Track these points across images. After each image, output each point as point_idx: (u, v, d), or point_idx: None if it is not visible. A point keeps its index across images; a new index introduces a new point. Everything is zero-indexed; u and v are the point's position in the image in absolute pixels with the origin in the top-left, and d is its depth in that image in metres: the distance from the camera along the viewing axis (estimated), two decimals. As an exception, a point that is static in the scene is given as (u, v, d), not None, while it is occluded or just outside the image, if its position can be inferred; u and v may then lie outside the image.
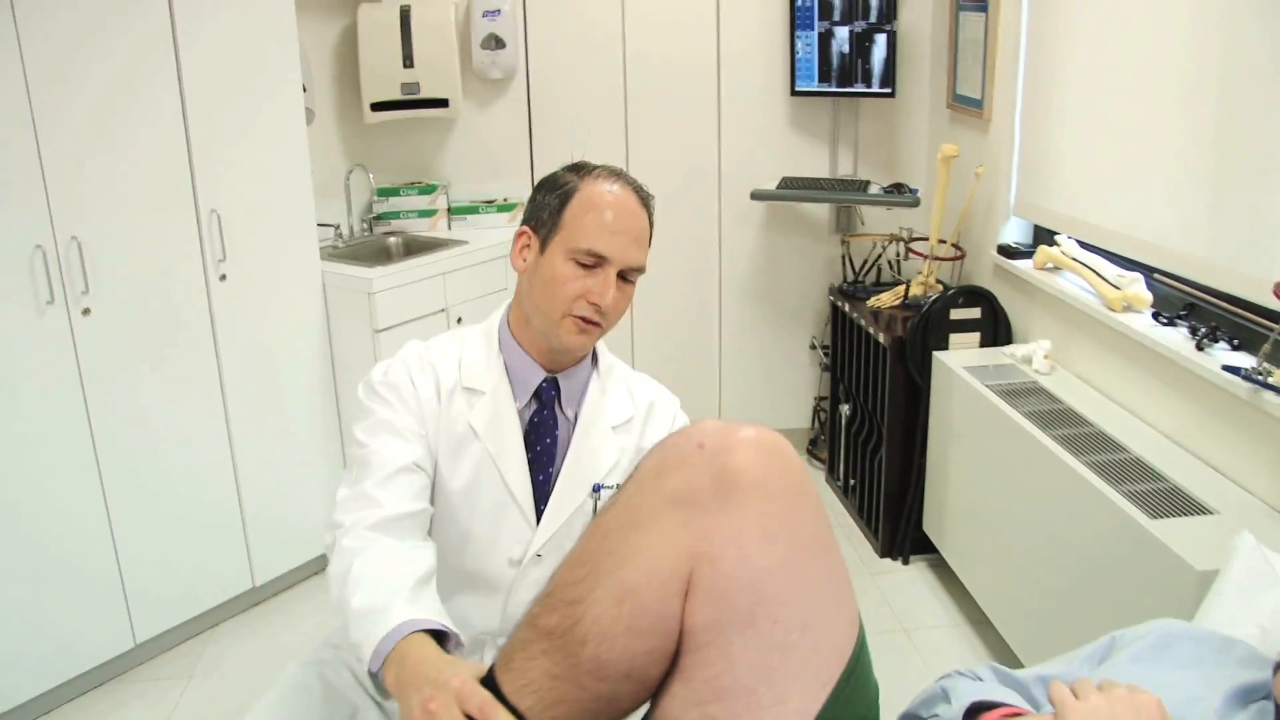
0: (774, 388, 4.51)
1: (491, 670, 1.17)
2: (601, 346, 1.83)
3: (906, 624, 3.23)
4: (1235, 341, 2.41)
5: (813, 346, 4.41)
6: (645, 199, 1.71)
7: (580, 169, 1.70)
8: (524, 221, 1.72)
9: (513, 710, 1.12)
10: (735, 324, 4.43)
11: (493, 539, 1.69)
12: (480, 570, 1.70)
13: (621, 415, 1.78)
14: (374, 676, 1.30)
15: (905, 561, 3.61)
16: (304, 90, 3.64)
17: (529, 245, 1.70)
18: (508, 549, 1.69)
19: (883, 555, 3.66)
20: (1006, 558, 2.88)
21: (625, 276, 1.67)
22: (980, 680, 1.29)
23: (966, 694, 1.20)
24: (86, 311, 2.79)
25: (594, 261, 1.63)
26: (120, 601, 2.96)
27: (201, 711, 2.89)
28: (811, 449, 4.52)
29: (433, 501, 1.67)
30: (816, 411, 4.49)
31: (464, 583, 1.71)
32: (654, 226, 1.73)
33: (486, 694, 1.13)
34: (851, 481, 3.98)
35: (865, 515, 3.83)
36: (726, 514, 1.11)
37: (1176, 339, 2.55)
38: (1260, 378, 2.14)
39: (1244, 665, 1.13)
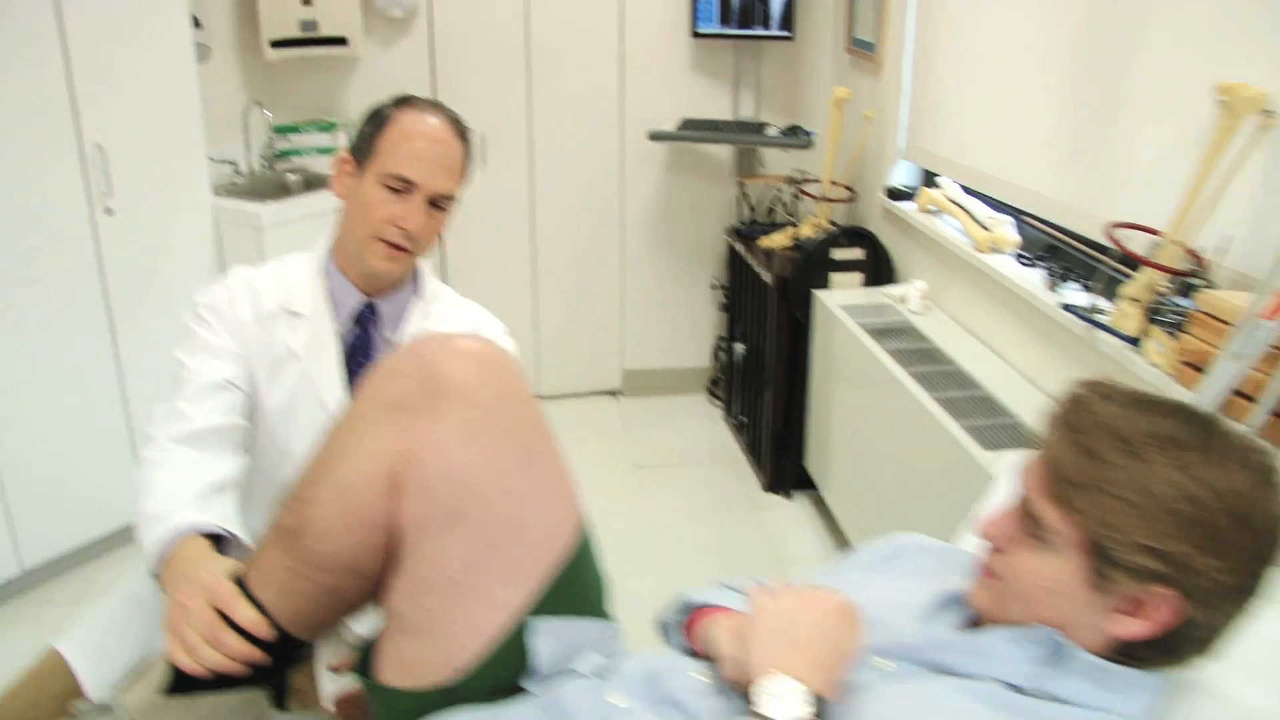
0: (676, 328, 4.58)
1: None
2: (427, 273, 1.89)
3: (780, 555, 3.33)
4: (1088, 283, 2.50)
5: (713, 286, 4.47)
6: (461, 130, 1.76)
7: (403, 101, 1.74)
8: (350, 151, 1.77)
9: (256, 604, 1.21)
10: (637, 264, 4.48)
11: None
12: None
13: None
14: (158, 580, 1.35)
15: (788, 496, 3.71)
16: (199, 26, 3.62)
17: (350, 173, 1.75)
18: None
19: (767, 490, 3.76)
20: (873, 491, 2.98)
21: (436, 204, 1.72)
22: (729, 589, 1.36)
23: (693, 596, 1.29)
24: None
25: (403, 187, 1.68)
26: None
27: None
28: (712, 388, 4.60)
29: (252, 420, 1.73)
30: (716, 351, 4.57)
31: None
32: (471, 160, 1.79)
33: (232, 588, 1.22)
34: (743, 419, 4.07)
35: (754, 451, 3.92)
36: (433, 418, 1.19)
37: (1033, 279, 2.64)
38: (1091, 316, 2.23)
39: (963, 574, 1.21)
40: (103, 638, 1.63)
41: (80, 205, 3.06)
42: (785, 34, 3.99)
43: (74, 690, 1.55)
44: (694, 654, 1.26)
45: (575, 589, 1.25)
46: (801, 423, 3.61)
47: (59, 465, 3.09)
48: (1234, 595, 1.01)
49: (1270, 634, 1.14)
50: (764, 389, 3.73)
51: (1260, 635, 1.10)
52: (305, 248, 3.41)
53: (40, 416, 3.02)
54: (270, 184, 3.95)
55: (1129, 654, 1.06)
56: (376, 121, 1.72)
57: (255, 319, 1.75)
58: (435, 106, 1.75)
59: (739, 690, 1.12)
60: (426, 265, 1.90)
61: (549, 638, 1.22)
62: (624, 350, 4.61)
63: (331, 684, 1.52)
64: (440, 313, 1.86)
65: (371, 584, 1.24)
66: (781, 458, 3.71)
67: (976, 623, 1.17)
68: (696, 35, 4.11)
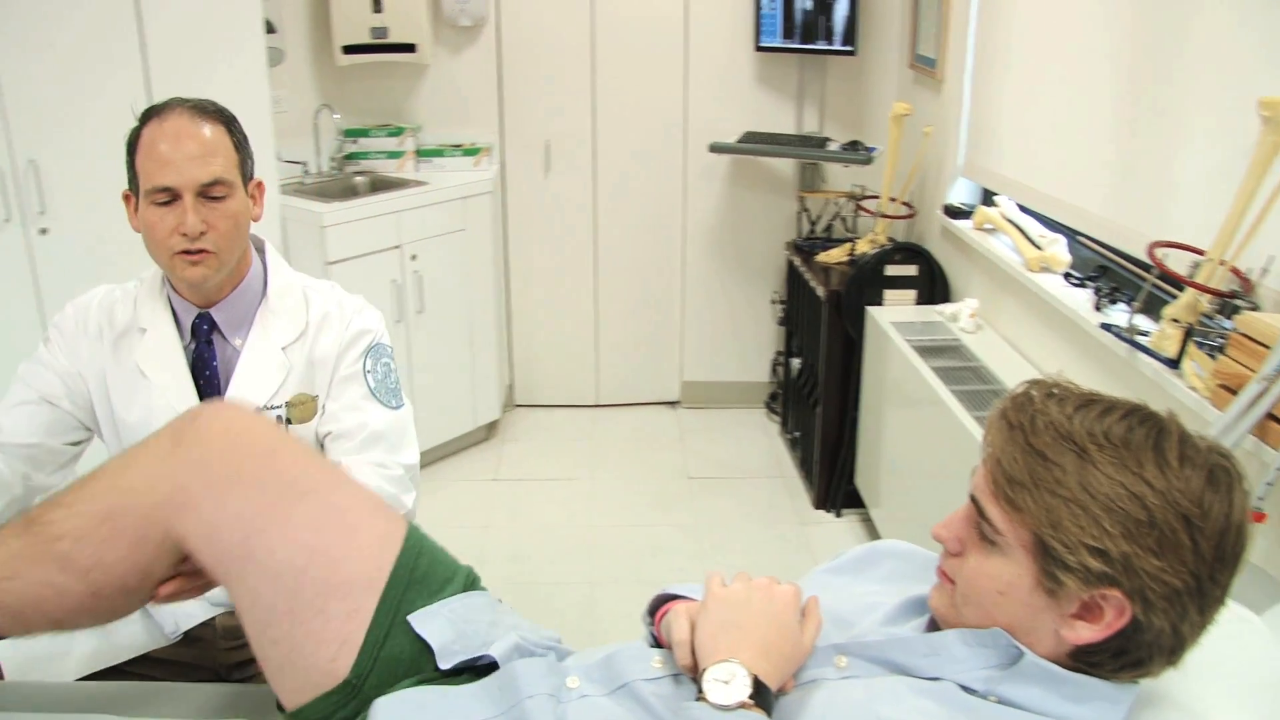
0: (735, 341, 4.58)
1: None
2: (279, 267, 1.85)
3: (825, 571, 3.30)
4: (1132, 304, 2.45)
5: (773, 301, 4.47)
6: (208, 111, 1.69)
7: (145, 116, 1.69)
8: (128, 185, 1.74)
9: None
10: (698, 276, 4.50)
11: None
12: None
13: (292, 334, 1.80)
14: None
15: (838, 514, 3.69)
16: (274, 31, 3.73)
17: (133, 208, 1.71)
18: None
19: (817, 506, 3.74)
20: (920, 513, 2.94)
21: (210, 195, 1.66)
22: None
23: (670, 589, 1.30)
24: (44, 231, 2.91)
25: (168, 197, 1.64)
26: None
27: None
28: (770, 403, 4.59)
29: (108, 436, 1.78)
30: (775, 366, 4.55)
31: None
32: (237, 132, 1.72)
33: None
34: (796, 434, 4.06)
35: (805, 467, 3.90)
36: (197, 468, 1.28)
37: (1080, 299, 2.60)
38: (1129, 336, 2.19)
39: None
40: None
41: (150, 200, 3.16)
42: (847, 49, 3.98)
43: None
44: (658, 643, 1.27)
45: (425, 579, 1.32)
46: (853, 440, 3.59)
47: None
48: (1187, 598, 0.99)
49: (1245, 648, 1.12)
50: (816, 405, 3.72)
51: (1235, 648, 1.07)
52: (367, 248, 3.55)
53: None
54: (338, 185, 4.04)
55: (1088, 662, 1.04)
56: (129, 147, 1.68)
57: (108, 337, 1.76)
58: (175, 105, 1.68)
59: (692, 676, 1.13)
60: (275, 260, 1.85)
61: (433, 622, 1.28)
62: (683, 362, 4.63)
63: None
64: (290, 307, 1.82)
65: (138, 599, 1.34)
66: (832, 475, 3.69)
67: (939, 628, 1.16)
68: (760, 49, 4.12)
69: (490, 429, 4.36)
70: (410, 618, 1.28)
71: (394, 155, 4.16)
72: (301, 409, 1.80)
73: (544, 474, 4.07)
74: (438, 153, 4.17)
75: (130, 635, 1.77)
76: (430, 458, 4.08)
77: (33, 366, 1.76)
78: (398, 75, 4.23)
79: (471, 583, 1.41)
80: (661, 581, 1.40)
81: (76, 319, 1.78)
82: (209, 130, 1.67)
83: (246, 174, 1.75)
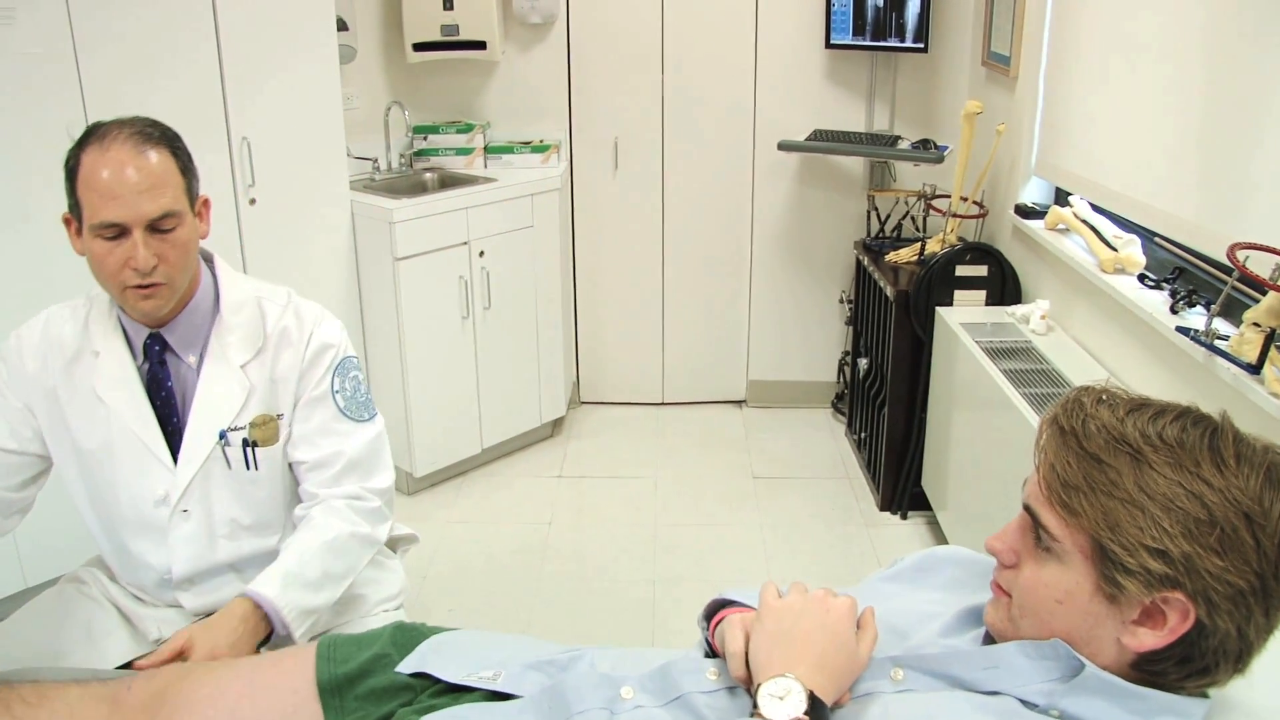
0: (802, 341, 4.55)
1: None
2: (231, 281, 1.81)
3: (889, 574, 3.27)
4: (1214, 307, 2.39)
5: (841, 301, 4.43)
6: (149, 136, 1.63)
7: (85, 138, 1.62)
8: (68, 209, 1.68)
9: None
10: (765, 274, 4.47)
11: (138, 489, 1.76)
12: (141, 517, 1.77)
13: (249, 350, 1.78)
14: None
15: (903, 516, 3.65)
16: (345, 28, 3.77)
17: (75, 232, 1.66)
18: (160, 496, 1.76)
19: (882, 508, 3.70)
20: (987, 517, 2.90)
21: (159, 228, 1.61)
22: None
23: (727, 594, 1.29)
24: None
25: (115, 232, 1.58)
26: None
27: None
28: (837, 403, 4.55)
29: (68, 462, 1.77)
30: (842, 367, 4.52)
31: (131, 529, 1.79)
32: (181, 157, 1.67)
33: None
34: (862, 434, 4.02)
35: (871, 468, 3.86)
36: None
37: (1155, 301, 2.54)
38: (1207, 340, 2.14)
39: None
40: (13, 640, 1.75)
41: (227, 195, 3.22)
42: (919, 46, 3.93)
43: None
44: (713, 649, 1.26)
45: (346, 654, 1.40)
46: (920, 442, 3.55)
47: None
48: (1251, 599, 0.96)
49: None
50: (883, 406, 3.68)
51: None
52: (436, 244, 3.58)
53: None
54: (408, 181, 4.08)
55: (1152, 672, 1.02)
56: (68, 172, 1.61)
57: (58, 363, 1.74)
58: (115, 128, 1.61)
59: (746, 688, 1.12)
60: (225, 274, 1.81)
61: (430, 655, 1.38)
62: (750, 361, 4.60)
63: None
64: (245, 323, 1.79)
65: None
66: (898, 476, 3.65)
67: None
68: (830, 46, 4.08)
69: (555, 426, 4.38)
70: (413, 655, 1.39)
71: (463, 152, 4.18)
72: (264, 429, 1.78)
73: (609, 471, 4.07)
74: (507, 149, 4.19)
75: (116, 643, 1.80)
76: (495, 453, 4.10)
77: None
78: (468, 72, 4.26)
79: (399, 629, 1.47)
80: (725, 581, 1.39)
81: (21, 349, 1.75)
82: (154, 157, 1.61)
83: (193, 195, 1.70)
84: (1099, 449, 1.00)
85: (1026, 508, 1.07)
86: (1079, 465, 1.01)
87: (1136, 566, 0.97)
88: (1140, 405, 1.04)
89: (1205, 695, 1.04)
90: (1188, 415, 1.02)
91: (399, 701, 1.32)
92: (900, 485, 3.64)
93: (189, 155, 1.71)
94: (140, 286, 1.62)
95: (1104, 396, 1.05)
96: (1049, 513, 1.03)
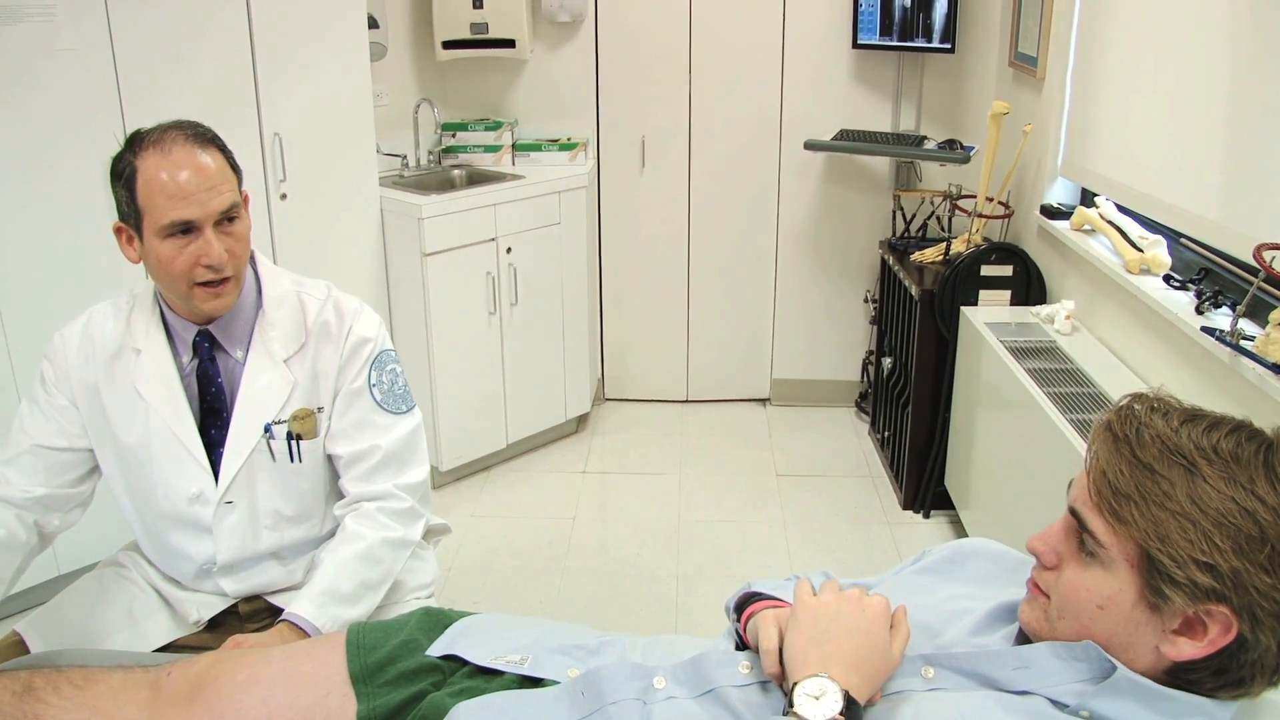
0: (827, 339, 4.56)
1: None
2: (272, 276, 1.85)
3: (912, 572, 3.28)
4: (1240, 307, 2.39)
5: (866, 300, 4.44)
6: (202, 137, 1.68)
7: (134, 144, 1.66)
8: (119, 218, 1.71)
9: None
10: (790, 273, 4.48)
11: (179, 487, 1.79)
12: (178, 512, 1.81)
13: (292, 346, 1.81)
14: None
15: (926, 515, 3.65)
16: (376, 26, 3.81)
17: (130, 241, 1.70)
18: (194, 494, 1.79)
19: (905, 507, 3.71)
20: (1011, 517, 2.91)
21: (227, 218, 1.67)
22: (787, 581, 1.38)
23: (756, 586, 1.30)
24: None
25: (185, 230, 1.63)
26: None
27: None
28: (860, 402, 4.56)
29: (109, 459, 1.81)
30: (866, 366, 4.52)
31: (168, 522, 1.82)
32: (227, 153, 1.71)
33: None
34: (886, 434, 4.03)
35: (895, 468, 3.87)
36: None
37: (1181, 302, 2.54)
38: (1233, 340, 2.14)
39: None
40: (58, 622, 1.78)
41: (258, 190, 3.26)
42: (946, 46, 3.94)
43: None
44: (742, 641, 1.27)
45: (375, 641, 1.44)
46: (943, 441, 3.56)
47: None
48: None
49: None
50: (907, 405, 3.69)
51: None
52: (464, 240, 3.61)
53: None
54: (436, 178, 4.12)
55: (1185, 680, 1.02)
56: (123, 181, 1.65)
57: (100, 360, 1.77)
58: (170, 131, 1.66)
59: (779, 684, 1.13)
60: (267, 269, 1.85)
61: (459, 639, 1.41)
62: (774, 359, 4.62)
63: None
64: (287, 318, 1.83)
65: None
66: (921, 475, 3.66)
67: (1028, 637, 1.15)
68: (857, 46, 4.09)
69: (580, 422, 4.40)
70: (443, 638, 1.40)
71: (491, 149, 4.22)
72: (305, 423, 1.81)
73: (633, 468, 4.09)
74: (534, 147, 4.22)
75: (156, 625, 1.84)
76: (520, 449, 4.13)
77: (29, 409, 1.79)
78: (497, 70, 4.30)
79: (427, 614, 1.49)
80: (747, 577, 1.41)
81: (66, 349, 1.79)
82: (212, 155, 1.67)
83: (241, 190, 1.75)
84: (1153, 459, 1.01)
85: (1073, 511, 1.07)
86: (1131, 473, 1.01)
87: (1184, 579, 0.98)
88: (1194, 416, 1.04)
89: (1234, 699, 1.05)
90: (1242, 429, 1.02)
91: (428, 681, 1.34)
92: (923, 484, 3.65)
93: (232, 153, 1.75)
94: (209, 284, 1.67)
95: (1157, 404, 1.06)
96: (1097, 519, 1.04)
